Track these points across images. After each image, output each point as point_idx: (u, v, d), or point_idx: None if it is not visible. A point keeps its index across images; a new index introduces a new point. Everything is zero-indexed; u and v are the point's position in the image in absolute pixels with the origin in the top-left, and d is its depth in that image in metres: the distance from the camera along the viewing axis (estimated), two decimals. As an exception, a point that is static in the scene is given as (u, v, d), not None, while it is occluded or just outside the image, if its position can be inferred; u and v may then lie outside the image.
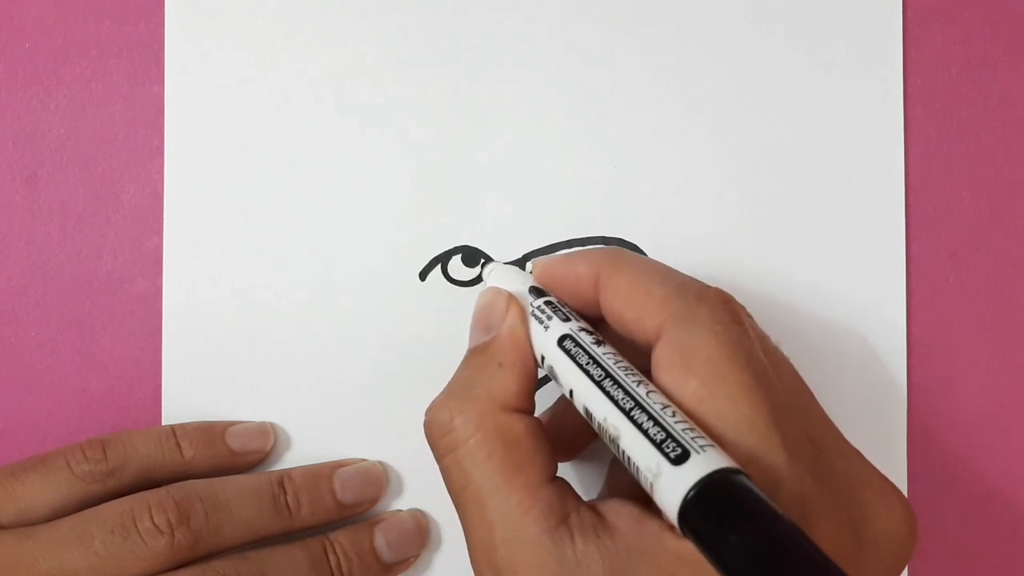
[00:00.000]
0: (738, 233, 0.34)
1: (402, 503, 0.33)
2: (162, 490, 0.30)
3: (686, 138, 0.34)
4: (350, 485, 0.32)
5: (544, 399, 0.30)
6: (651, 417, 0.23)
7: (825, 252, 0.34)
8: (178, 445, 0.31)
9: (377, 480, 0.32)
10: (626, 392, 0.24)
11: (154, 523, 0.29)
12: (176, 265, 0.33)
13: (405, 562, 0.32)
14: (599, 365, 0.25)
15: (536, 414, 0.27)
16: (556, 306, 0.27)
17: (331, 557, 0.31)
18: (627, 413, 0.23)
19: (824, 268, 0.34)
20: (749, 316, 0.27)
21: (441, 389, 0.27)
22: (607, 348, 0.26)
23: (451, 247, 0.33)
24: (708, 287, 0.26)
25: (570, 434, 0.30)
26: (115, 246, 0.33)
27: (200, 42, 0.33)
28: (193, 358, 0.33)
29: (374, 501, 0.32)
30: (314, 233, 0.33)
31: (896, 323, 0.34)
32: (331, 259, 0.33)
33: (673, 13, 0.34)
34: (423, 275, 0.33)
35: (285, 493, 0.31)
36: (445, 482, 0.26)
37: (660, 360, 0.25)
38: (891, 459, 0.34)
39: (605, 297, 0.27)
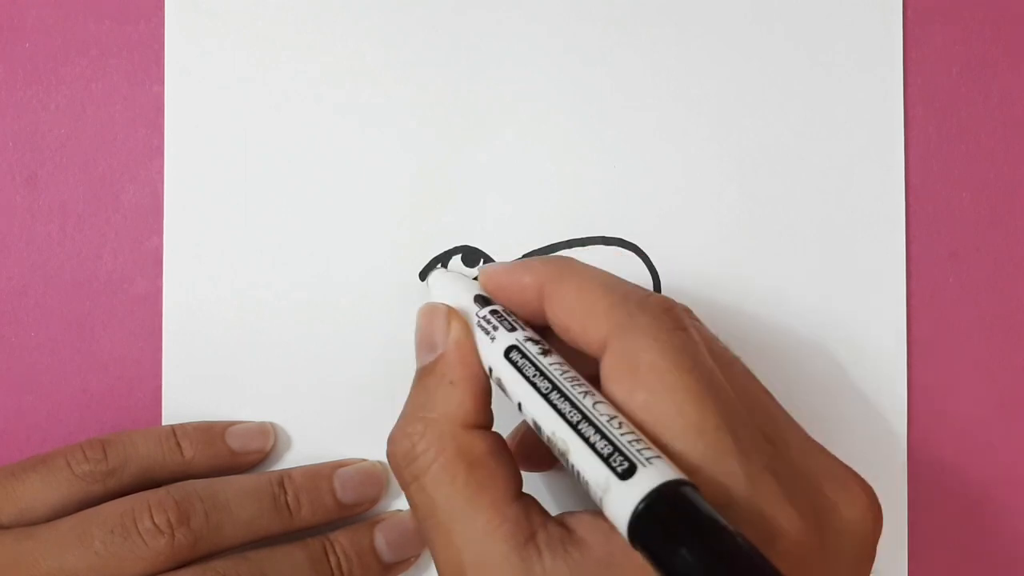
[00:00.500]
0: (738, 233, 0.34)
1: (402, 503, 0.33)
2: (162, 490, 0.30)
3: (686, 138, 0.34)
4: (350, 485, 0.32)
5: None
6: (598, 430, 0.23)
7: (825, 252, 0.34)
8: (178, 445, 0.31)
9: (377, 480, 0.32)
10: (573, 405, 0.24)
11: (154, 523, 0.29)
12: (176, 265, 0.33)
13: (405, 562, 0.32)
14: (545, 377, 0.25)
15: (511, 421, 0.27)
16: (502, 315, 0.27)
17: (331, 557, 0.31)
18: (574, 427, 0.23)
19: (824, 268, 0.34)
20: (695, 320, 0.27)
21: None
22: (554, 358, 0.25)
23: (451, 247, 0.33)
24: (651, 295, 0.26)
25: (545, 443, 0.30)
26: (115, 246, 0.33)
27: (200, 42, 0.33)
28: (193, 358, 0.33)
29: (374, 501, 0.32)
30: (314, 233, 0.33)
31: (896, 323, 0.34)
32: (331, 259, 0.33)
33: (673, 13, 0.34)
34: (423, 275, 0.33)
35: (285, 493, 0.31)
36: (411, 509, 0.26)
37: (607, 371, 0.25)
38: (891, 459, 0.34)
39: (551, 309, 0.27)
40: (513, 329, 0.26)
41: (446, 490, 0.25)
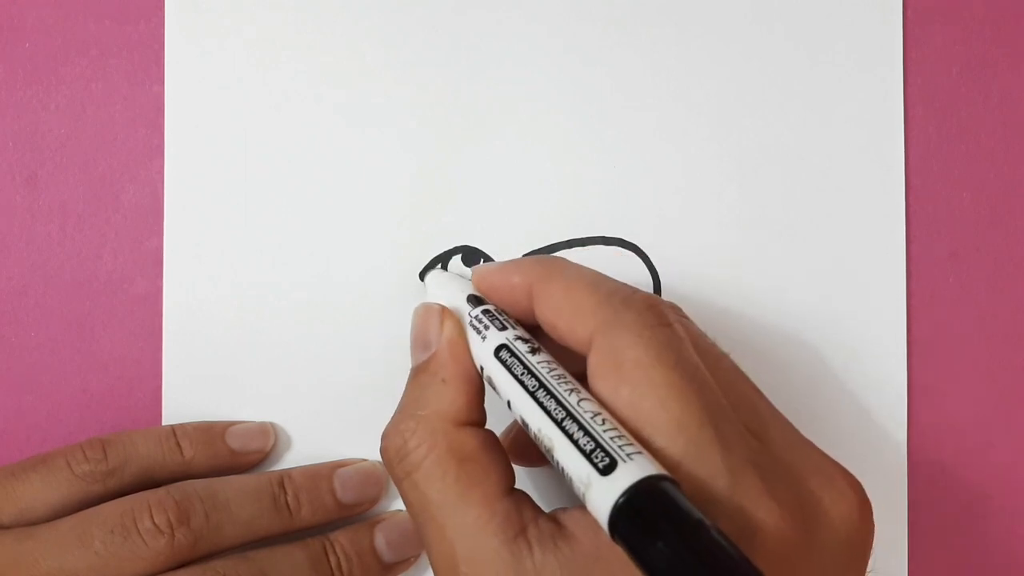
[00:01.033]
0: (738, 233, 0.34)
1: (402, 503, 0.33)
2: (162, 490, 0.30)
3: (686, 138, 0.34)
4: (350, 485, 0.32)
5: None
6: (581, 427, 0.23)
7: (825, 252, 0.34)
8: (178, 445, 0.31)
9: (377, 480, 0.32)
10: (558, 402, 0.24)
11: (154, 523, 0.29)
12: (176, 265, 0.33)
13: (405, 562, 0.32)
14: (533, 375, 0.25)
15: (504, 418, 0.27)
16: (494, 315, 0.27)
17: (331, 557, 0.31)
18: (559, 424, 0.24)
19: (824, 268, 0.34)
20: (682, 316, 0.27)
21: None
22: (543, 356, 0.26)
23: (451, 247, 0.33)
24: (636, 292, 0.26)
25: None
26: (115, 246, 0.33)
27: (200, 42, 0.33)
28: (193, 358, 0.33)
29: (374, 501, 0.32)
30: (314, 233, 0.33)
31: (896, 323, 0.34)
32: (331, 259, 0.33)
33: (673, 13, 0.34)
34: (423, 275, 0.33)
35: (285, 493, 0.31)
36: (405, 506, 0.26)
37: (593, 368, 0.25)
38: (891, 459, 0.34)
39: (539, 308, 0.27)
40: (504, 328, 0.27)
41: (438, 485, 0.25)
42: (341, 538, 0.31)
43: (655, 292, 0.33)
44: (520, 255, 0.33)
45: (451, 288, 0.29)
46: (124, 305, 0.33)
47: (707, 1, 0.34)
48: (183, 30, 0.33)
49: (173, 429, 0.31)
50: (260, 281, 0.33)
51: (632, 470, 0.22)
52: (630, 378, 0.24)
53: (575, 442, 0.23)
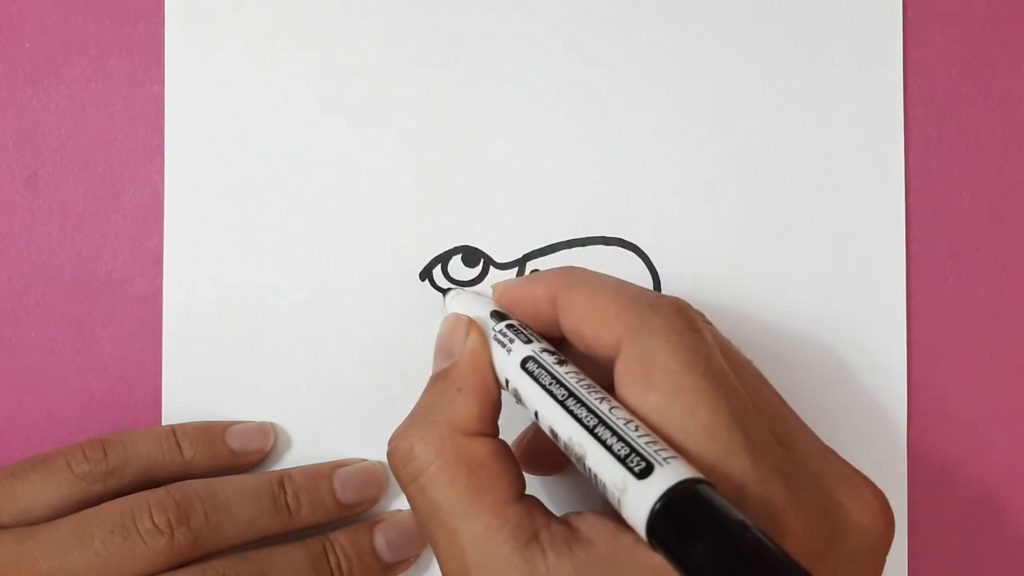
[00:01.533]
0: (738, 233, 0.34)
1: (402, 503, 0.33)
2: (162, 490, 0.30)
3: (686, 138, 0.34)
4: (350, 485, 0.32)
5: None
6: (615, 433, 0.23)
7: (825, 252, 0.34)
8: (178, 445, 0.31)
9: (377, 480, 0.32)
10: (589, 410, 0.24)
11: (154, 523, 0.29)
12: (176, 265, 0.33)
13: (405, 562, 0.32)
14: (562, 385, 0.25)
15: (520, 430, 0.27)
16: (518, 329, 0.27)
17: (331, 557, 0.31)
18: (591, 431, 0.24)
19: (824, 268, 0.34)
20: (707, 322, 0.27)
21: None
22: (569, 367, 0.26)
23: (451, 247, 0.33)
24: (663, 296, 0.26)
25: (552, 447, 0.30)
26: (115, 246, 0.33)
27: (200, 42, 0.33)
28: (193, 358, 0.33)
29: (374, 501, 0.32)
30: (314, 233, 0.33)
31: (896, 323, 0.34)
32: (331, 259, 0.33)
33: (673, 13, 0.34)
34: (423, 275, 0.33)
35: (285, 493, 0.31)
36: (413, 511, 0.26)
37: (621, 375, 0.25)
38: (891, 459, 0.34)
39: (564, 317, 0.27)
40: (529, 341, 0.27)
41: (446, 491, 0.25)
42: (341, 538, 0.31)
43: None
44: (520, 255, 0.33)
45: (473, 305, 0.29)
46: (124, 305, 0.33)
47: (707, 1, 0.34)
48: (183, 30, 0.33)
49: (173, 429, 0.31)
50: (260, 281, 0.33)
51: (669, 474, 0.22)
52: (659, 384, 0.24)
53: (609, 448, 0.23)
